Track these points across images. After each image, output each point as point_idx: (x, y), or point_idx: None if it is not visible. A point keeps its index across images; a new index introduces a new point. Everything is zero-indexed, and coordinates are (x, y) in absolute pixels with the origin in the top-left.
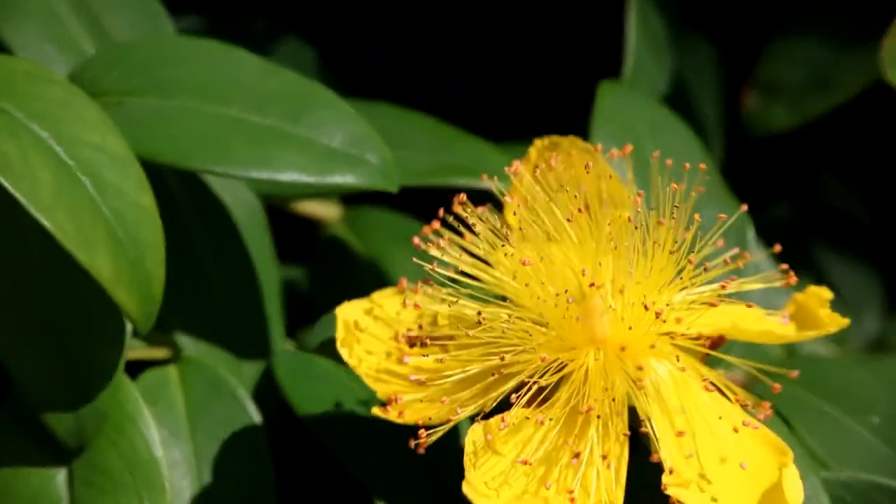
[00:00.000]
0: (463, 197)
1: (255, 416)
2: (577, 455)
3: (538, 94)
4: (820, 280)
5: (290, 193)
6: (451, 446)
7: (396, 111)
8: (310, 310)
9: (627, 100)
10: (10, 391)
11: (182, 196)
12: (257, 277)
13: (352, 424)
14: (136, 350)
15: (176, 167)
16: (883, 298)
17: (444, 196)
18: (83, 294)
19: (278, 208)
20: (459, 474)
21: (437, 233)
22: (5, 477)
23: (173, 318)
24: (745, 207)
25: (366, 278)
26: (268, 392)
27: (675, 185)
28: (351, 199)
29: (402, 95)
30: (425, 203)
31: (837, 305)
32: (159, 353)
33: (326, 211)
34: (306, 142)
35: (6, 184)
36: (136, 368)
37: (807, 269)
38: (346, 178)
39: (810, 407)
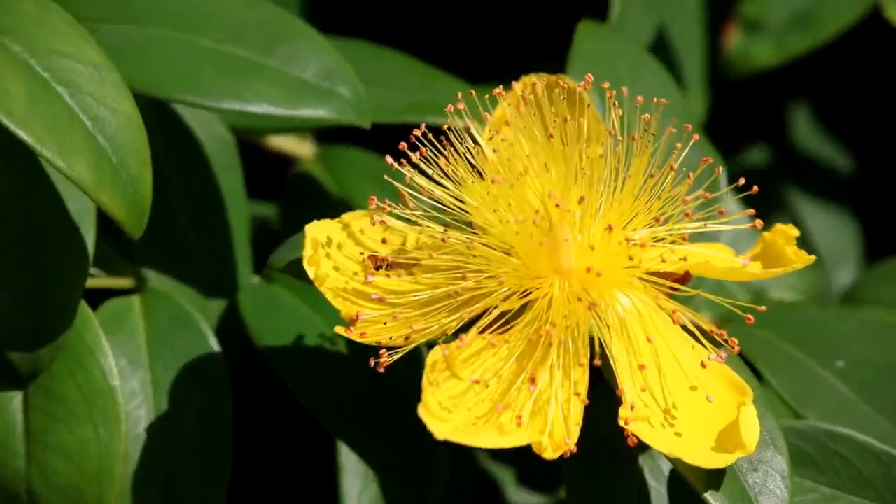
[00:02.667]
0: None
1: (216, 348)
2: (532, 381)
3: (516, 37)
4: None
5: (262, 127)
6: (409, 384)
7: (373, 49)
8: (279, 246)
9: (607, 42)
10: None
11: (153, 127)
12: (226, 213)
13: (310, 357)
14: (98, 279)
15: (147, 96)
16: (859, 249)
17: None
18: (45, 222)
19: (251, 144)
20: (414, 413)
21: (412, 149)
22: None
23: (139, 248)
24: (696, 137)
25: (338, 215)
26: (231, 328)
27: (650, 120)
28: (325, 137)
29: (380, 35)
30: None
31: (813, 258)
32: (123, 282)
33: (300, 148)
34: (278, 73)
35: None
36: (98, 298)
37: (781, 215)
38: (317, 112)
39: (775, 349)
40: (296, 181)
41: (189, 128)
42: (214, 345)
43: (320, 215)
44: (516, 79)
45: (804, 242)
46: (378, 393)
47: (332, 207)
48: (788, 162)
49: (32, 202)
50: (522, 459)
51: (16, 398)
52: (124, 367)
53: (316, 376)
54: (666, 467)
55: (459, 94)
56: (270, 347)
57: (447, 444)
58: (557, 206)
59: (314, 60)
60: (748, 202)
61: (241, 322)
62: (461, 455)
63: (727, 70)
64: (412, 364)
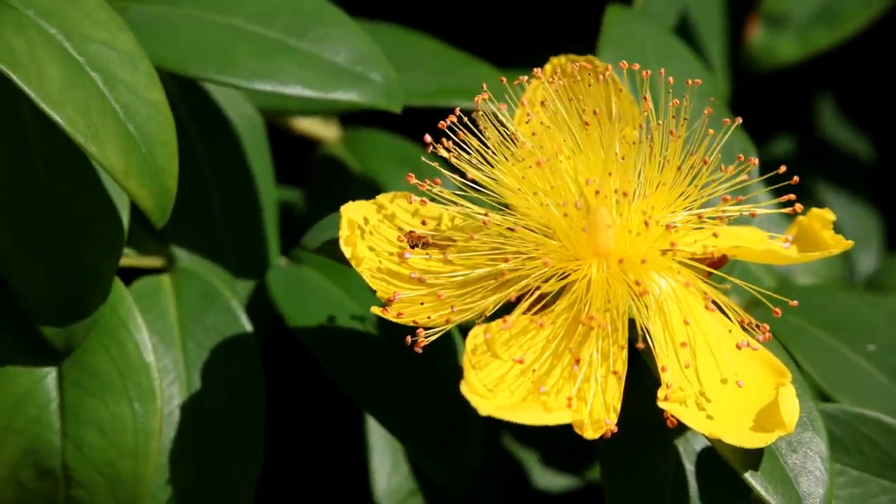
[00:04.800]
0: (479, 100)
1: (247, 326)
2: (576, 361)
3: (544, 21)
4: None
5: (292, 109)
6: (441, 362)
7: (404, 33)
8: (304, 229)
9: (636, 25)
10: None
11: (184, 106)
12: (256, 193)
13: (342, 338)
14: (129, 258)
15: (179, 75)
16: (881, 237)
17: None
18: (82, 199)
19: (277, 128)
20: (447, 389)
21: (449, 131)
22: None
23: (169, 228)
24: (739, 120)
25: (363, 198)
26: (259, 307)
27: (683, 102)
28: (350, 120)
29: (410, 19)
30: (425, 129)
31: (851, 243)
32: (153, 262)
33: (325, 131)
34: (310, 56)
35: (15, 78)
36: (129, 276)
37: (806, 204)
38: (349, 95)
39: (806, 335)
40: (321, 164)
41: (220, 107)
42: (246, 323)
43: (346, 198)
44: (543, 59)
45: None
46: (411, 370)
47: (358, 190)
48: (812, 152)
49: (69, 177)
50: (546, 442)
51: (50, 374)
52: (156, 345)
53: (349, 355)
54: (699, 448)
55: (485, 83)
56: (303, 327)
57: (486, 421)
58: (597, 192)
59: (346, 45)
60: (775, 193)
61: (269, 302)
62: (487, 438)
63: (750, 64)
64: (444, 342)
